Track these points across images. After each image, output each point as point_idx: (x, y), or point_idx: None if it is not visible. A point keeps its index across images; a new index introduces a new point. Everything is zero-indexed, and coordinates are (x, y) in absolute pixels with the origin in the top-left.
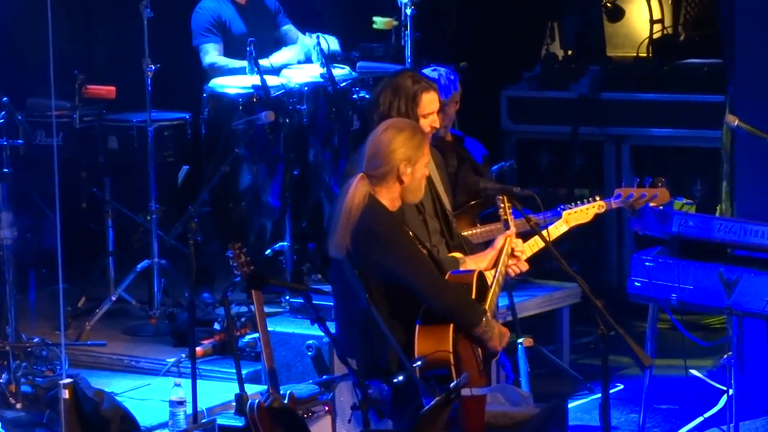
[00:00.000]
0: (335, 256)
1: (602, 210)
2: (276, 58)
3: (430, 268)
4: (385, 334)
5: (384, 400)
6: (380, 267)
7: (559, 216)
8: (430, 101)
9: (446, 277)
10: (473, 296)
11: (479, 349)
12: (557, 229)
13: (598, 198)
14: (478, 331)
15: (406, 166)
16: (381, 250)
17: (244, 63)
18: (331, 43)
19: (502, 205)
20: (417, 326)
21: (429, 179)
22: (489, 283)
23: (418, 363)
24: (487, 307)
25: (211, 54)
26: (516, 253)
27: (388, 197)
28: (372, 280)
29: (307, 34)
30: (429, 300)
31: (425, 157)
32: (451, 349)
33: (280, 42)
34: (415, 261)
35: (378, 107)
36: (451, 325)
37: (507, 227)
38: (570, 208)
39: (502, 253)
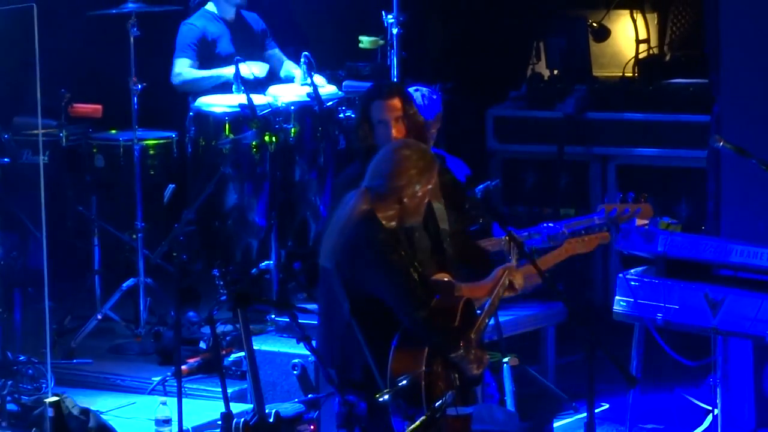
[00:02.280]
0: (325, 264)
1: (606, 241)
2: (255, 69)
3: (413, 289)
4: (363, 348)
5: (360, 416)
6: (366, 281)
7: (553, 236)
8: (379, 108)
9: (433, 302)
10: (457, 323)
11: (456, 375)
12: (555, 258)
13: (596, 220)
14: (454, 357)
15: (408, 188)
16: (368, 264)
17: (207, 72)
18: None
19: (506, 240)
20: (392, 347)
21: None
22: (478, 311)
23: (404, 382)
24: (473, 334)
25: (178, 67)
26: (515, 287)
27: (386, 215)
28: (357, 293)
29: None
30: (407, 321)
31: (430, 182)
32: (423, 372)
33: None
34: (400, 281)
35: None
36: (426, 349)
37: (509, 260)
38: (553, 229)
39: (499, 283)
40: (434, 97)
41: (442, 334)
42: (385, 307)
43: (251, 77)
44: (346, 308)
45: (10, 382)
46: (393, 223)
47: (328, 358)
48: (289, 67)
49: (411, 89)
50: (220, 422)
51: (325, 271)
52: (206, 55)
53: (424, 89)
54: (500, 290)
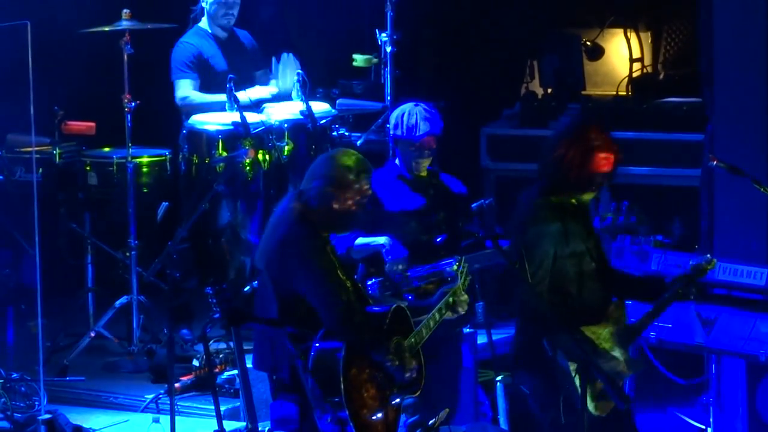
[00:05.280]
0: (258, 265)
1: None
2: (252, 93)
3: (334, 287)
4: (289, 348)
5: (291, 418)
6: (291, 278)
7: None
8: (604, 160)
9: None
10: (384, 327)
11: (382, 375)
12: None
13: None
14: (375, 355)
15: (339, 195)
16: (294, 261)
17: (217, 97)
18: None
19: (457, 264)
20: (314, 347)
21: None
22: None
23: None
24: (405, 342)
25: (184, 89)
26: (458, 309)
27: (317, 219)
28: (284, 292)
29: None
30: (325, 316)
31: (360, 192)
32: (341, 372)
33: (255, 82)
34: (322, 278)
35: (556, 149)
36: (344, 347)
37: (455, 282)
38: None
39: (441, 300)
40: (434, 112)
41: (360, 332)
42: (309, 306)
43: (248, 102)
44: (274, 308)
45: (2, 399)
46: (322, 227)
47: (260, 359)
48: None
49: (411, 104)
50: None
51: (259, 272)
52: (202, 73)
53: (423, 106)
54: (443, 307)
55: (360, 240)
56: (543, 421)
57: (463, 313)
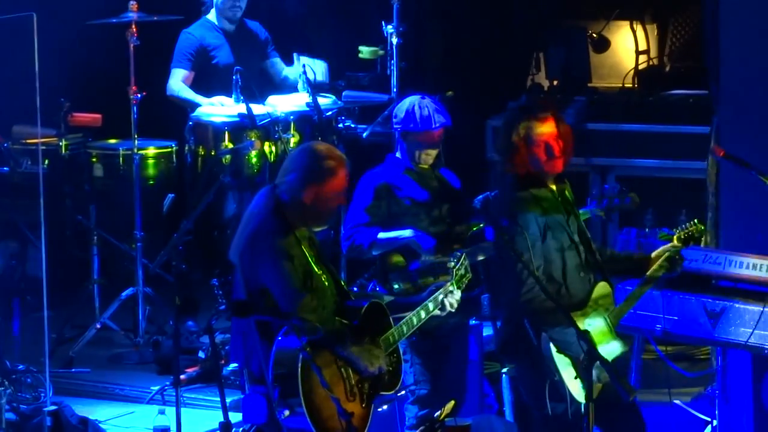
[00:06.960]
0: (233, 259)
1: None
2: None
3: (296, 283)
4: (256, 343)
5: (260, 412)
6: (259, 270)
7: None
8: (540, 129)
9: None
10: (358, 322)
11: (349, 370)
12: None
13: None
14: (340, 351)
15: (310, 187)
16: (262, 251)
17: (199, 98)
18: (317, 71)
19: (453, 262)
20: (276, 341)
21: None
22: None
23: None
24: (382, 338)
25: (174, 79)
26: (447, 307)
27: (290, 213)
28: (253, 284)
29: (295, 61)
30: (286, 306)
31: (335, 186)
32: (300, 367)
33: (265, 73)
34: (283, 273)
35: (503, 147)
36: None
37: (451, 278)
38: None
39: (430, 297)
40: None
41: (321, 325)
42: (275, 300)
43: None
44: (242, 300)
45: (8, 391)
46: (296, 221)
47: (233, 353)
48: (289, 72)
49: (416, 97)
50: None
51: (233, 266)
52: (203, 65)
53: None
54: (430, 304)
55: (383, 234)
56: (532, 408)
57: (452, 311)
